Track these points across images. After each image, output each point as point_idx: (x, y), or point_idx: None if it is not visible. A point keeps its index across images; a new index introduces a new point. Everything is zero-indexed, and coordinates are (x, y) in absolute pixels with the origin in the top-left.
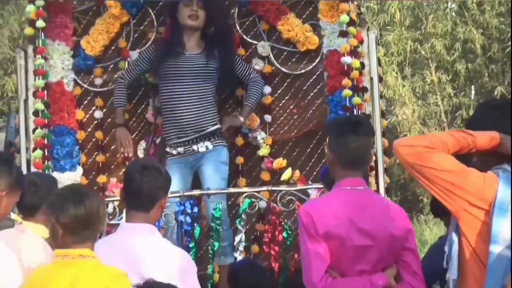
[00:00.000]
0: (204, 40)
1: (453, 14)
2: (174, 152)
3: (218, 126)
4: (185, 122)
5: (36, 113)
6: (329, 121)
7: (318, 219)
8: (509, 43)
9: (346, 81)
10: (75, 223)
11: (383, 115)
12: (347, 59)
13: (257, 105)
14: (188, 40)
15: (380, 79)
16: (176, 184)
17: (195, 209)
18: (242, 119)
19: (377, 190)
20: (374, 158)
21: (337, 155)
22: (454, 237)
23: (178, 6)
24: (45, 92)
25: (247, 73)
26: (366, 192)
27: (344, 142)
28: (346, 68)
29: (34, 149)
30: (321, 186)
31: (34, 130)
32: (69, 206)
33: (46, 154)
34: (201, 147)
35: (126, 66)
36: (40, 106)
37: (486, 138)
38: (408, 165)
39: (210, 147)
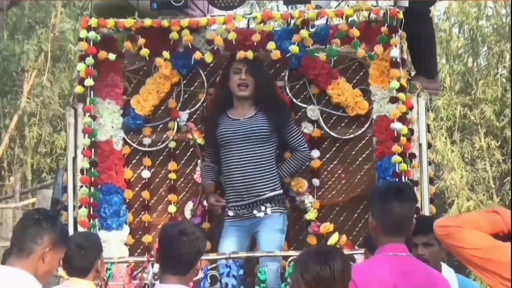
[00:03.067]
0: (256, 103)
1: (503, 80)
2: (231, 213)
3: (278, 192)
4: (241, 187)
5: (82, 171)
6: (372, 188)
7: (361, 284)
8: None
9: (395, 147)
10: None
11: (431, 181)
12: (397, 125)
13: (287, 177)
14: (240, 106)
15: (429, 146)
16: (231, 246)
17: (241, 271)
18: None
19: None
20: None
21: (379, 221)
22: None
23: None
24: (92, 150)
25: (296, 141)
26: (409, 258)
27: (386, 209)
28: (395, 134)
29: (80, 207)
30: None
31: (80, 188)
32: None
33: (92, 212)
34: (258, 212)
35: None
36: (85, 164)
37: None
38: (445, 245)
39: (269, 212)
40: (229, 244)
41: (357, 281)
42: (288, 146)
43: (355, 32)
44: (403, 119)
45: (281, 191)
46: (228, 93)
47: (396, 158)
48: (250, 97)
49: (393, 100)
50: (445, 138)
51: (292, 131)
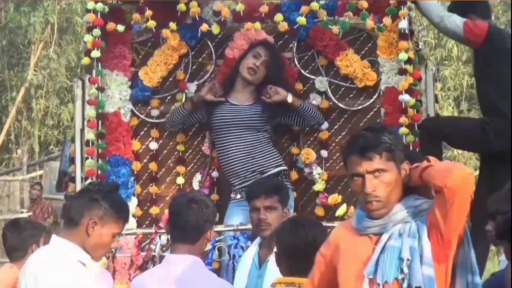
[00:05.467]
0: (258, 92)
1: None
2: (238, 196)
3: (283, 167)
4: (244, 167)
5: (87, 143)
6: None
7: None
8: None
9: (403, 119)
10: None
11: None
12: (405, 97)
13: (309, 111)
14: (242, 90)
15: (437, 116)
16: (237, 221)
17: (249, 243)
18: (290, 97)
19: None
20: None
21: None
22: None
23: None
24: (99, 122)
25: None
26: None
27: None
28: (403, 106)
29: (86, 179)
30: None
31: (86, 160)
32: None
33: None
34: None
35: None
36: (91, 136)
37: None
38: (463, 196)
39: None
40: (236, 220)
41: None
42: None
43: (364, 4)
44: (411, 90)
45: (285, 166)
46: (233, 74)
47: (403, 130)
48: (254, 84)
49: (402, 71)
50: (453, 108)
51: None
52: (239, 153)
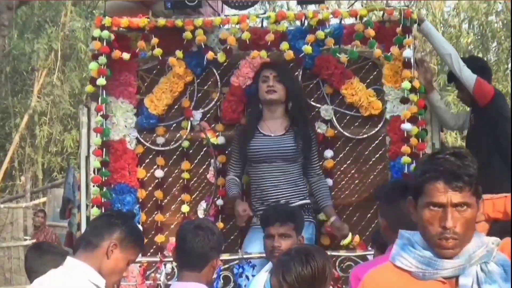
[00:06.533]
0: (288, 118)
1: None
2: (259, 222)
3: (307, 201)
4: (271, 198)
5: (94, 170)
6: (378, 188)
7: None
8: None
9: (405, 148)
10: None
11: None
12: (406, 126)
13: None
14: (271, 116)
15: (442, 145)
16: (256, 248)
17: (254, 272)
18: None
19: None
20: None
21: (389, 221)
22: None
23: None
24: (103, 150)
25: (315, 162)
26: None
27: (394, 208)
28: (405, 135)
29: (92, 207)
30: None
31: (92, 187)
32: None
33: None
34: None
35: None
36: (97, 164)
37: None
38: None
39: None
40: (257, 246)
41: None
42: (307, 169)
43: (371, 32)
44: (414, 119)
45: (309, 200)
46: (257, 105)
47: (405, 159)
48: (280, 103)
49: (404, 100)
50: (455, 134)
51: (314, 158)
52: (272, 184)
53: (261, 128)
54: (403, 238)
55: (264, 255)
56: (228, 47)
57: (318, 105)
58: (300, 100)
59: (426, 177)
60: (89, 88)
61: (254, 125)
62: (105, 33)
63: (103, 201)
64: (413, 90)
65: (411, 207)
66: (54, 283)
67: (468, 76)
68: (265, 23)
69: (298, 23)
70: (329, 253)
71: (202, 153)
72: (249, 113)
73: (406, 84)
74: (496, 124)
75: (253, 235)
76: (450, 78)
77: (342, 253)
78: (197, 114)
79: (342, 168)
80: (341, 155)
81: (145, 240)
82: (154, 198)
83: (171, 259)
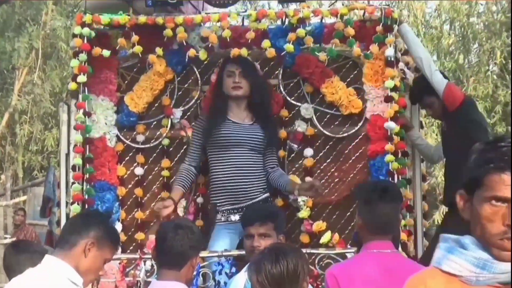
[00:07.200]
0: (252, 111)
1: (494, 77)
2: (223, 219)
3: (267, 194)
4: (238, 190)
5: (74, 167)
6: (357, 186)
7: (343, 282)
8: None
9: (388, 146)
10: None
11: (424, 179)
12: (390, 125)
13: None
14: (237, 108)
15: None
16: (222, 246)
17: (233, 269)
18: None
19: (416, 255)
20: (413, 222)
21: (365, 220)
22: None
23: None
24: (87, 147)
25: (275, 154)
26: (394, 255)
27: (371, 209)
28: (389, 134)
29: (72, 203)
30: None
31: (72, 184)
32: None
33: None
34: None
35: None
36: (77, 161)
37: None
38: None
39: None
40: (221, 244)
41: (340, 278)
42: (266, 160)
43: (350, 31)
44: (396, 118)
45: (268, 193)
46: (223, 96)
47: (389, 157)
48: (245, 98)
49: (388, 99)
50: (436, 134)
51: (275, 151)
52: (238, 172)
53: (230, 116)
54: (448, 241)
55: (243, 252)
56: (209, 45)
57: (298, 104)
58: (262, 95)
59: (489, 167)
60: (72, 85)
61: (224, 112)
62: (86, 30)
63: (86, 198)
64: (395, 88)
65: (462, 202)
66: (33, 282)
67: (440, 81)
68: (246, 22)
69: (279, 21)
70: (308, 251)
71: (182, 151)
72: (216, 102)
73: (390, 83)
74: (466, 129)
75: (217, 233)
76: (414, 99)
77: (322, 251)
78: (178, 112)
79: (322, 167)
80: (321, 154)
81: (125, 237)
82: (134, 196)
83: (151, 256)
